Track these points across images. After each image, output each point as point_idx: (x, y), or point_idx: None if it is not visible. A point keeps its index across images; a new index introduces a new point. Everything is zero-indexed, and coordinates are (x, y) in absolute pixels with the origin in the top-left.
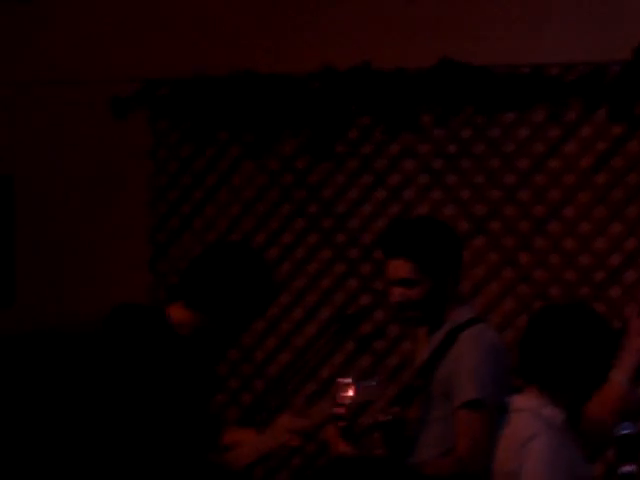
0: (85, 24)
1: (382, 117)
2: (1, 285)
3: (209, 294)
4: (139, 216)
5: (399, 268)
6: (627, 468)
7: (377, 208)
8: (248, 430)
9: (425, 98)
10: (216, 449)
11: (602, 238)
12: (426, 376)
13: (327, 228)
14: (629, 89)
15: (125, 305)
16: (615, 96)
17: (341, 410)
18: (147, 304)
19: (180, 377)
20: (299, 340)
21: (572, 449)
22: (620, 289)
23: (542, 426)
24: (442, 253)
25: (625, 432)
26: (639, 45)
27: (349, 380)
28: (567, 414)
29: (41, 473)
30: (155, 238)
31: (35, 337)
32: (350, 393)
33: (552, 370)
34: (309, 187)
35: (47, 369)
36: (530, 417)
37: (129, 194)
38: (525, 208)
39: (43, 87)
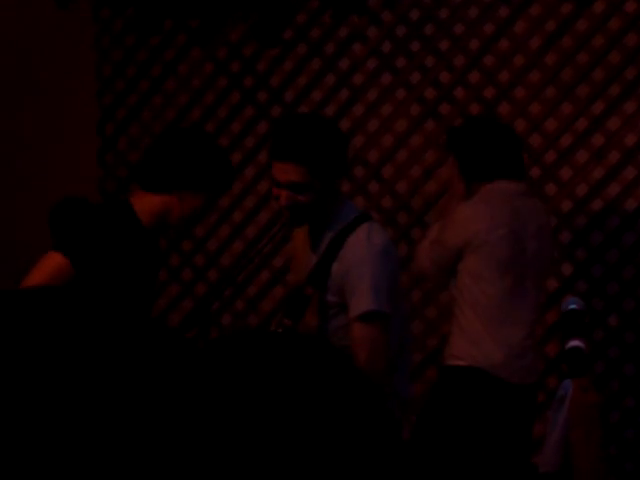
0: None
1: (330, 1)
2: None
3: (171, 171)
4: (86, 108)
5: (289, 172)
6: (574, 342)
7: (327, 94)
8: None
9: None
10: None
11: (553, 119)
12: (318, 283)
13: (276, 116)
14: None
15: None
16: None
17: None
18: (97, 197)
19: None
20: (251, 229)
21: None
22: (571, 170)
23: None
24: (332, 156)
25: (572, 307)
26: None
27: None
28: None
29: None
30: (102, 130)
31: None
32: None
33: None
34: (257, 74)
35: None
36: None
37: (74, 86)
38: (475, 90)
39: None
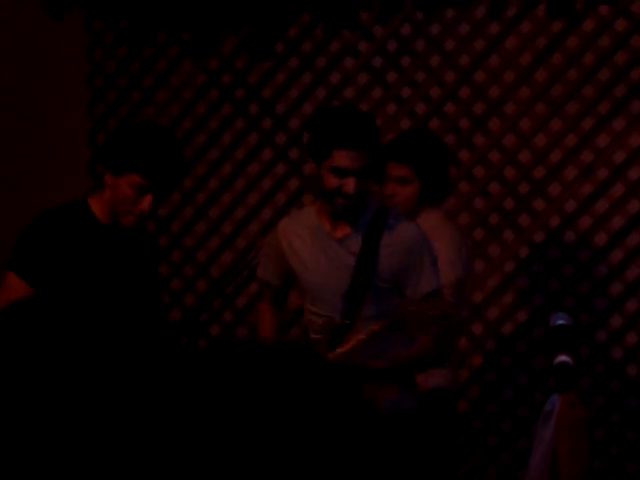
0: None
1: (322, 14)
2: None
3: (101, 153)
4: (77, 119)
5: (360, 158)
6: (562, 358)
7: (318, 107)
8: None
9: None
10: None
11: (542, 135)
12: (368, 271)
13: (267, 128)
14: None
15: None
16: None
17: None
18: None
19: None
20: (241, 241)
21: None
22: (559, 186)
23: None
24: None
25: (560, 323)
26: None
27: None
28: None
29: None
30: (94, 140)
31: None
32: None
33: None
34: (249, 87)
35: None
36: None
37: (67, 97)
38: (466, 105)
39: None
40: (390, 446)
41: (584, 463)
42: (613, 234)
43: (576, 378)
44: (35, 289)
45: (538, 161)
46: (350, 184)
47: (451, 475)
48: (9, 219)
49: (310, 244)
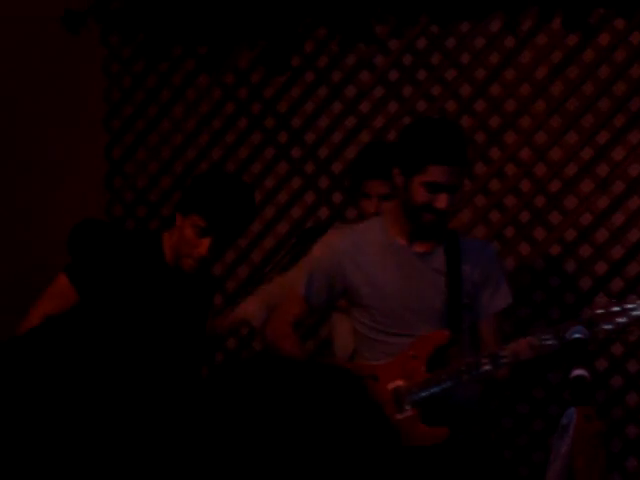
0: None
1: (338, 29)
2: None
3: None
4: (94, 132)
5: (454, 174)
6: (578, 371)
7: (333, 121)
8: None
9: (380, 8)
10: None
11: (558, 148)
12: (457, 290)
13: (283, 142)
14: None
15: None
16: (570, 4)
17: None
18: (105, 221)
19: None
20: (257, 255)
21: None
22: (576, 199)
23: None
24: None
25: (576, 336)
26: None
27: None
28: None
29: None
30: (110, 154)
31: None
32: None
33: None
34: (265, 101)
35: None
36: None
37: (83, 110)
38: (481, 119)
39: None
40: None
41: (602, 477)
42: (629, 247)
43: (592, 391)
44: (81, 299)
45: (554, 175)
46: (442, 200)
47: None
48: (26, 233)
49: (382, 261)
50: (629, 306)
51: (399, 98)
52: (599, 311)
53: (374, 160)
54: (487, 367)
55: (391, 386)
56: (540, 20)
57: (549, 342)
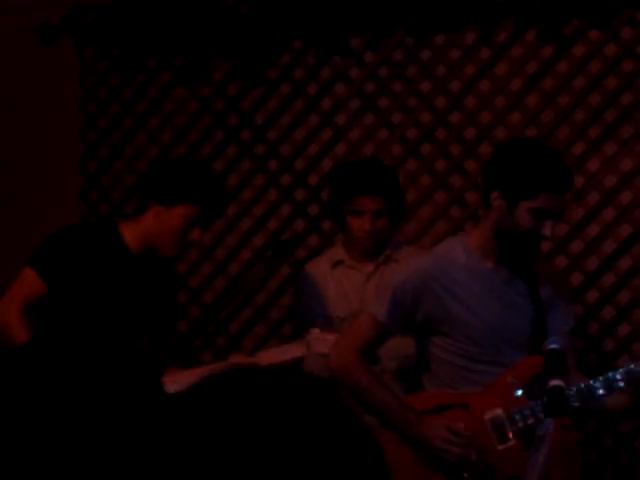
0: None
1: (313, 41)
2: None
3: (144, 186)
4: (69, 145)
5: (561, 201)
6: (555, 382)
7: (309, 133)
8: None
9: (356, 21)
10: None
11: None
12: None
13: (260, 154)
14: (558, 9)
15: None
16: (545, 16)
17: None
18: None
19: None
20: (234, 267)
21: None
22: None
23: None
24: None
25: (553, 347)
26: None
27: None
28: None
29: None
30: (85, 167)
31: None
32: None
33: None
34: (241, 113)
35: None
36: None
37: (59, 123)
38: (457, 131)
39: None
40: None
41: None
42: (604, 259)
43: (569, 402)
44: (49, 290)
45: None
46: (548, 227)
47: None
48: (1, 247)
49: (472, 286)
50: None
51: (375, 110)
52: None
53: (367, 176)
54: (601, 392)
55: (487, 415)
56: (515, 32)
57: None
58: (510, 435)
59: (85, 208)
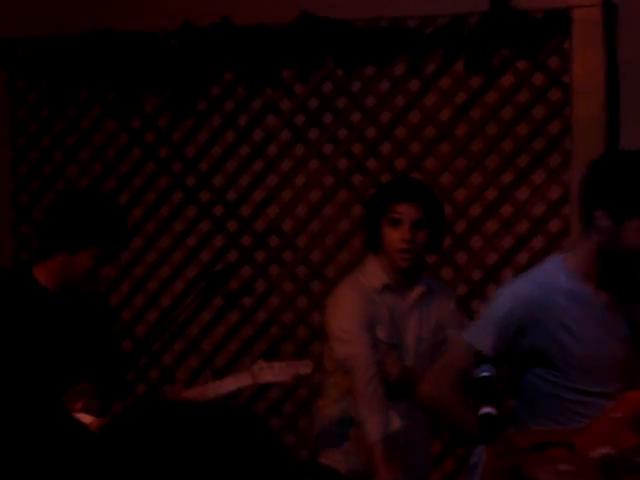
0: None
1: (244, 73)
2: None
3: (56, 229)
4: (0, 179)
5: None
6: (486, 409)
7: (241, 165)
8: None
9: (287, 53)
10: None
11: (463, 189)
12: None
13: (191, 186)
14: (486, 40)
15: None
16: (473, 47)
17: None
18: (11, 266)
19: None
20: (166, 299)
21: None
22: (481, 239)
23: None
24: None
25: (483, 374)
26: None
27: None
28: None
29: None
30: (17, 201)
31: None
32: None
33: None
34: (172, 145)
35: None
36: None
37: None
38: (387, 161)
39: None
40: None
41: None
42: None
43: (501, 429)
44: None
45: (459, 215)
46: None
47: None
48: None
49: (576, 312)
50: None
51: (305, 141)
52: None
53: (405, 184)
54: None
55: (596, 455)
56: (444, 63)
57: None
58: (623, 477)
59: (16, 241)
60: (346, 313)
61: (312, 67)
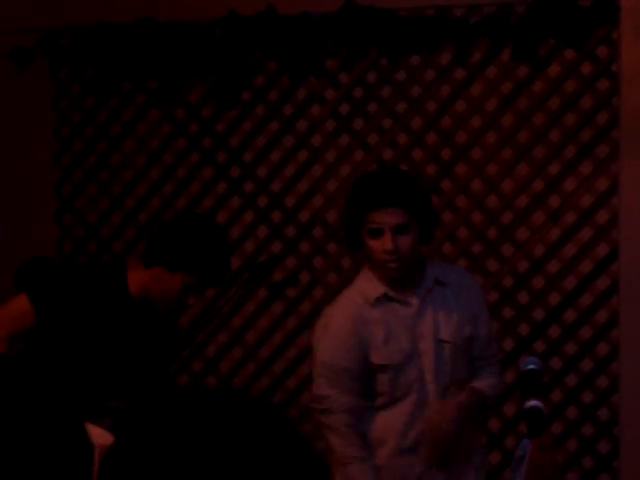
0: None
1: (288, 63)
2: None
3: (152, 247)
4: (44, 169)
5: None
6: (532, 402)
7: (285, 155)
8: None
9: (331, 42)
10: None
11: (509, 180)
12: None
13: (236, 177)
14: (533, 29)
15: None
16: (520, 36)
17: None
18: (55, 258)
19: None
20: (210, 290)
21: None
22: (527, 230)
23: None
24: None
25: (530, 367)
26: None
27: None
28: None
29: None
30: (60, 191)
31: None
32: None
33: None
34: (216, 135)
35: None
36: None
37: (33, 147)
38: (433, 151)
39: None
40: None
41: None
42: (582, 278)
43: (547, 422)
44: (39, 321)
45: (506, 206)
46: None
47: None
48: None
49: None
50: None
51: (350, 131)
52: None
53: (379, 187)
54: None
55: None
56: (490, 52)
57: None
58: None
59: (60, 231)
60: (332, 346)
61: (356, 56)
